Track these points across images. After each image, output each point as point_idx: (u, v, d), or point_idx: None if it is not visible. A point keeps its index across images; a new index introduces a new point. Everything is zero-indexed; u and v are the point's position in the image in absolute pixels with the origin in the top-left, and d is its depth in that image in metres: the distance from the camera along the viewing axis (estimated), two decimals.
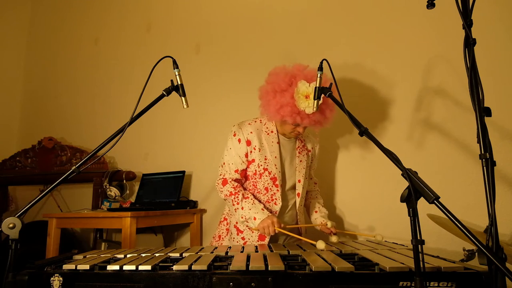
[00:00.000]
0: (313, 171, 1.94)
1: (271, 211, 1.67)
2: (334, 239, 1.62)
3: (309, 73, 1.59)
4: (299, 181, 1.74)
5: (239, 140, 1.70)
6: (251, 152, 1.69)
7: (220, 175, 1.73)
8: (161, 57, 1.33)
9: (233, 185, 1.68)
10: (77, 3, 3.46)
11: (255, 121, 1.75)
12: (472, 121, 0.93)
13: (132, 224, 1.98)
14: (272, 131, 1.73)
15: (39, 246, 2.37)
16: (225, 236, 1.81)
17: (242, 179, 1.75)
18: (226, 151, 1.73)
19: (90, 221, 2.26)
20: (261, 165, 1.68)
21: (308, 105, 1.52)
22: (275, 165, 1.68)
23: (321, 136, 1.98)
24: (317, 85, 1.36)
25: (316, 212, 1.83)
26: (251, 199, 1.64)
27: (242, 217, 1.62)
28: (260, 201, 1.67)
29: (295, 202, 1.76)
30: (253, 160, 1.69)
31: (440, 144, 1.91)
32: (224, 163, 1.73)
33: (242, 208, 1.61)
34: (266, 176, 1.68)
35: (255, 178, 1.70)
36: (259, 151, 1.68)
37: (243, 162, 1.70)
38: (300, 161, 1.76)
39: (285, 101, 1.55)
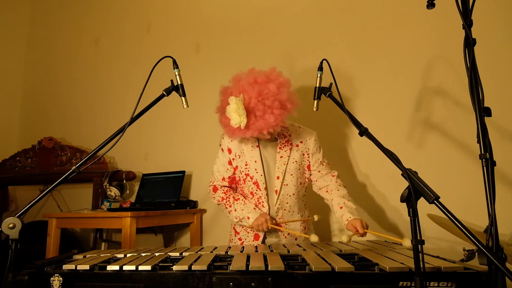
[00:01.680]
0: (318, 163, 1.74)
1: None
2: (344, 238, 1.44)
3: (242, 83, 1.54)
4: (277, 178, 1.68)
5: (222, 150, 1.76)
6: (233, 159, 1.74)
7: (211, 182, 1.82)
8: (161, 57, 1.33)
9: (223, 190, 1.77)
10: (77, 3, 3.45)
11: None
12: (472, 121, 0.93)
13: (132, 224, 1.98)
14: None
15: (39, 246, 2.37)
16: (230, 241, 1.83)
17: (232, 185, 1.80)
18: (215, 160, 1.81)
19: (90, 221, 2.26)
20: (243, 171, 1.72)
21: (241, 121, 1.45)
22: (256, 169, 1.69)
23: (322, 135, 1.97)
24: (317, 85, 1.38)
25: (341, 208, 1.61)
26: (242, 200, 1.70)
27: (236, 218, 1.68)
28: None
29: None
30: (237, 167, 1.74)
31: (440, 144, 1.91)
32: (213, 171, 1.82)
33: (235, 210, 1.68)
34: (249, 181, 1.71)
35: (241, 184, 1.75)
36: (239, 157, 1.72)
37: (227, 169, 1.76)
38: (281, 157, 1.69)
39: (224, 121, 1.57)
